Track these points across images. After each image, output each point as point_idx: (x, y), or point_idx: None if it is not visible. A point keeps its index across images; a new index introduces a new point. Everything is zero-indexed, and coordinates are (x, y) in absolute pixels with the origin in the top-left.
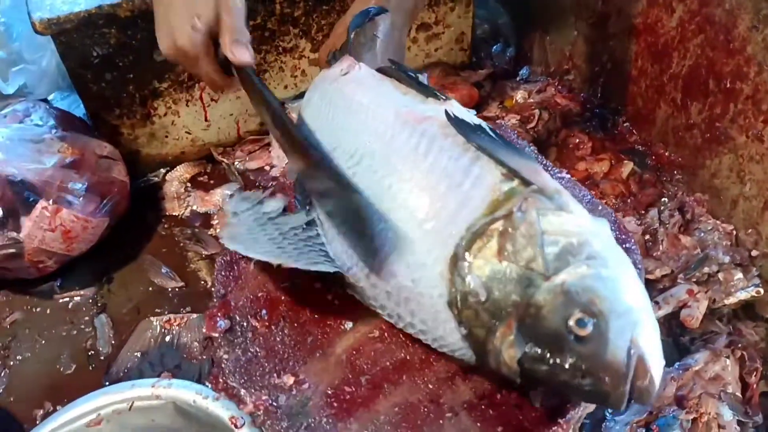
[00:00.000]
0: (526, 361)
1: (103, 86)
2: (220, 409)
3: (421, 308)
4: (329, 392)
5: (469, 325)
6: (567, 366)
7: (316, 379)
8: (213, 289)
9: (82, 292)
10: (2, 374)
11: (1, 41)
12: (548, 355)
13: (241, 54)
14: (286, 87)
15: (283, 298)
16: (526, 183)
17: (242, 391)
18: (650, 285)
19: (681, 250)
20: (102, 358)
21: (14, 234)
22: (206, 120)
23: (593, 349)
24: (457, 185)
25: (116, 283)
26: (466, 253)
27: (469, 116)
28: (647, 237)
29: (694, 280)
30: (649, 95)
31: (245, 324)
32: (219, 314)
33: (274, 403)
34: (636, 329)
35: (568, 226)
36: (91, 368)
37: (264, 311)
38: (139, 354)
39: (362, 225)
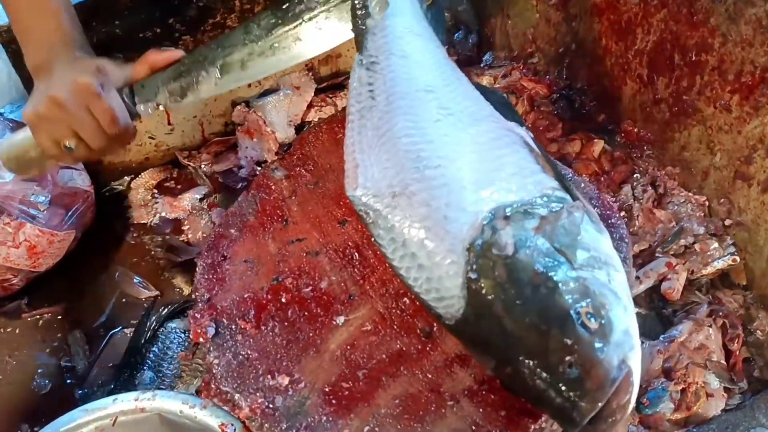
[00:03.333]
0: (523, 329)
1: None
2: (209, 417)
3: (436, 243)
4: (327, 389)
5: (480, 274)
6: (562, 346)
7: (312, 378)
8: (196, 294)
9: (52, 309)
10: None
11: None
12: (549, 330)
13: None
14: (249, 85)
15: (270, 297)
16: (575, 199)
17: (236, 396)
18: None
19: (657, 224)
20: (78, 374)
21: None
22: (169, 124)
23: (593, 342)
24: (523, 175)
25: (87, 296)
26: (509, 216)
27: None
28: (623, 213)
29: (672, 252)
30: (615, 73)
31: (233, 327)
32: (205, 319)
33: (271, 405)
34: (631, 352)
35: (602, 246)
36: (67, 386)
37: (252, 312)
38: (113, 367)
39: None
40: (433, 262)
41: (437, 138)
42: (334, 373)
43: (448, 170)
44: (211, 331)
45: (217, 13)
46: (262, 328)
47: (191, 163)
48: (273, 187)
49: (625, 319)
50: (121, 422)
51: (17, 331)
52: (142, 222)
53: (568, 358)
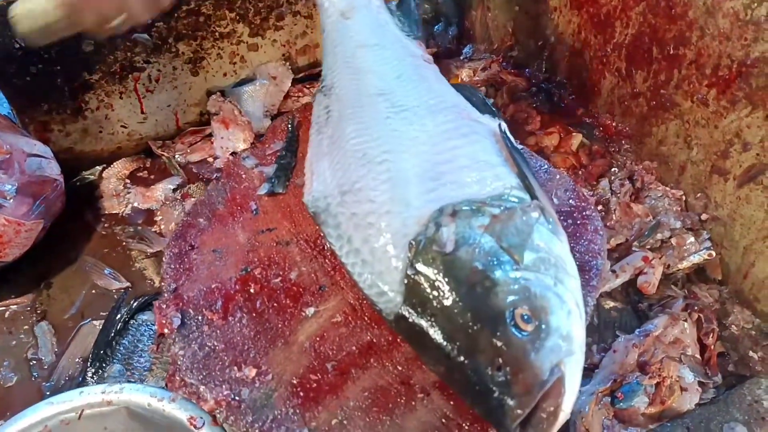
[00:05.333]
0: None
1: (29, 80)
2: (178, 410)
3: (378, 238)
4: (294, 382)
5: (418, 270)
6: (491, 347)
7: (279, 370)
8: (162, 284)
9: (19, 300)
10: None
11: None
12: (481, 329)
13: None
14: (225, 74)
15: (238, 287)
16: (534, 199)
17: (201, 388)
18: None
19: (633, 218)
20: (45, 367)
21: None
22: (142, 112)
23: (524, 344)
24: (479, 168)
25: (56, 287)
26: (456, 213)
27: (513, 141)
28: (600, 207)
29: (648, 247)
30: (593, 66)
31: (200, 318)
32: (171, 309)
33: (237, 398)
34: (568, 358)
35: (555, 248)
36: (33, 379)
37: (219, 303)
38: (81, 360)
39: None
40: (375, 257)
41: (385, 134)
42: (302, 365)
43: (394, 164)
44: (177, 321)
45: (191, 0)
46: (230, 319)
47: (165, 153)
48: (244, 175)
49: (566, 323)
50: (88, 415)
51: None
52: (114, 212)
53: (497, 359)
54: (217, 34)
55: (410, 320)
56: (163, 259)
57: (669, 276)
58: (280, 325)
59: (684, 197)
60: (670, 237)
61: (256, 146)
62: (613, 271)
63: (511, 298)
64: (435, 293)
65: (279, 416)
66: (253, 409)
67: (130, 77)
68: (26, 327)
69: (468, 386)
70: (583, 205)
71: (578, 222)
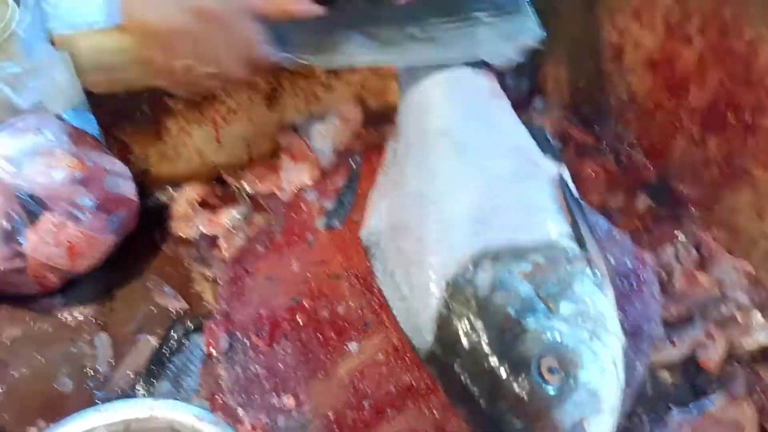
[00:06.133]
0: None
1: (116, 102)
2: None
3: (419, 276)
4: (330, 415)
5: (451, 310)
6: (512, 395)
7: (317, 402)
8: (216, 306)
9: (84, 310)
10: None
11: (19, 55)
12: (503, 375)
13: None
14: (298, 111)
15: (286, 316)
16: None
17: (240, 411)
18: (666, 325)
19: (698, 289)
20: (100, 378)
21: (19, 248)
22: (218, 141)
23: (546, 397)
24: (529, 214)
25: (118, 301)
26: (498, 257)
27: (573, 189)
28: (663, 274)
29: (712, 320)
30: (665, 129)
31: (247, 342)
32: (220, 331)
33: (273, 425)
34: (594, 416)
35: (597, 303)
36: (87, 388)
37: (266, 329)
38: (133, 374)
39: None
40: (413, 294)
41: (441, 174)
42: (339, 400)
43: (446, 205)
44: (225, 343)
45: None
46: (275, 346)
47: (235, 182)
48: (304, 208)
49: (596, 381)
50: (134, 429)
51: (49, 328)
52: (181, 234)
53: (518, 407)
54: (295, 72)
55: (439, 359)
56: (219, 281)
57: (732, 354)
58: (322, 357)
59: (754, 272)
60: (736, 312)
61: (319, 181)
62: (672, 342)
63: (539, 346)
64: (464, 334)
65: None
66: None
67: (209, 107)
68: (87, 337)
69: (488, 419)
70: (641, 267)
71: (633, 285)
